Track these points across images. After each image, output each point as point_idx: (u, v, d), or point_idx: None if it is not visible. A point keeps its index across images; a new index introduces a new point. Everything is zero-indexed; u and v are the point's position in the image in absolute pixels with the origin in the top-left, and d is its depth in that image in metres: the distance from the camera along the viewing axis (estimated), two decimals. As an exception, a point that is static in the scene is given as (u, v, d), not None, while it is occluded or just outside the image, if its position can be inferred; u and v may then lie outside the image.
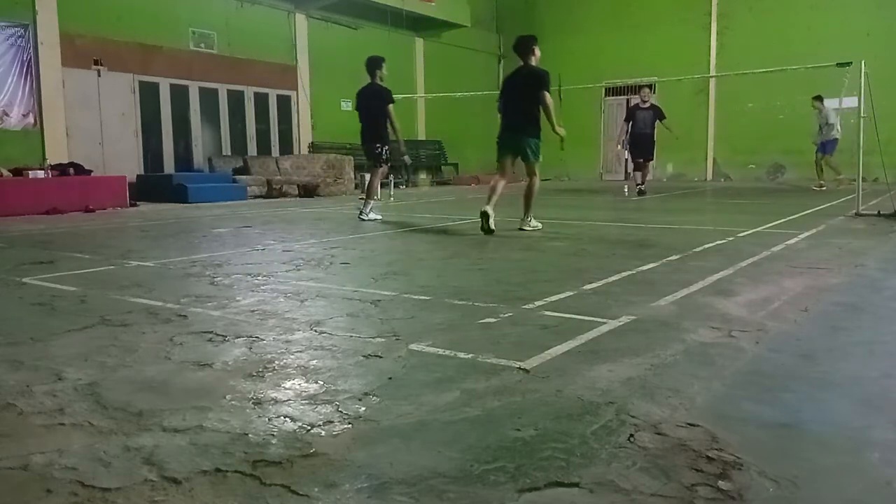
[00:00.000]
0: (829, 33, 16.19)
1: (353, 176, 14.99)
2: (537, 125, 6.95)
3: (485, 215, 6.57)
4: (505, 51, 22.05)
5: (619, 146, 13.01)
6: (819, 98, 13.57)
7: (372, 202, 8.36)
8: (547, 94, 6.84)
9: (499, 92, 7.52)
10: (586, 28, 19.82)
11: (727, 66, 17.39)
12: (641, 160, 12.43)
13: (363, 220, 8.15)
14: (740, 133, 17.78)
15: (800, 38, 16.54)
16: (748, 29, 17.76)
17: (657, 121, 12.09)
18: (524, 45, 7.11)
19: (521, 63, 7.13)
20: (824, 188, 13.29)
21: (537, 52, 7.14)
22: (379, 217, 8.25)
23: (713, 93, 18.50)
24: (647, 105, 12.22)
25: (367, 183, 8.80)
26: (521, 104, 6.93)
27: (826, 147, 13.51)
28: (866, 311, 3.34)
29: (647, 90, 12.77)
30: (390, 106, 8.13)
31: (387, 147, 8.38)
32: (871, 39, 15.56)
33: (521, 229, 6.87)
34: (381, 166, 8.53)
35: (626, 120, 12.50)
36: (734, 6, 18.08)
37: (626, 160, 20.14)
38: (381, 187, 12.86)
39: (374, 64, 8.28)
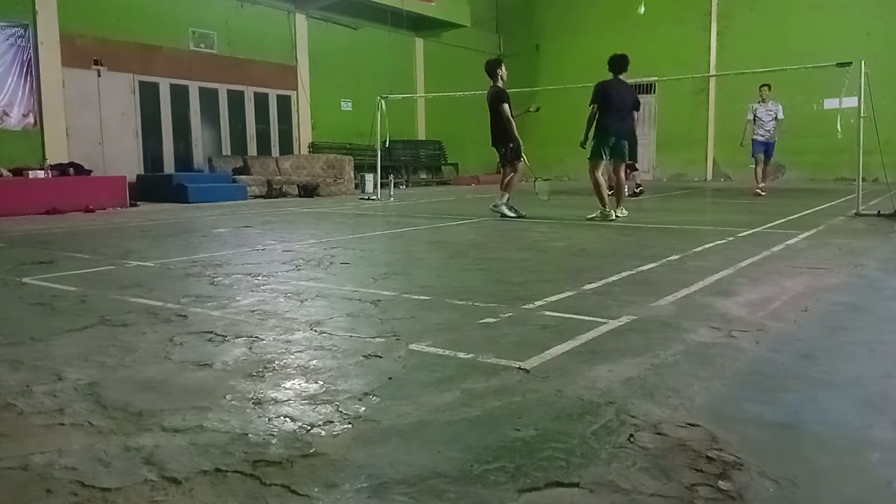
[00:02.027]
0: (829, 33, 16.18)
1: (352, 176, 14.99)
2: None
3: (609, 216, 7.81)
4: (505, 51, 22.07)
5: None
6: (768, 86, 11.89)
7: (507, 195, 8.39)
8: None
9: (599, 97, 8.00)
10: (586, 28, 19.80)
11: (727, 66, 17.39)
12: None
13: (504, 215, 8.22)
14: (740, 133, 17.78)
15: (800, 38, 16.53)
16: (748, 29, 17.75)
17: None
18: (626, 64, 8.26)
19: (616, 76, 8.16)
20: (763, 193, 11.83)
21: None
22: (512, 214, 8.20)
23: (713, 93, 18.49)
24: None
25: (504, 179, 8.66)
26: (625, 113, 8.20)
27: (772, 149, 11.96)
28: (866, 311, 3.34)
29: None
30: (504, 105, 8.17)
31: (511, 145, 8.34)
32: (871, 39, 15.55)
33: (616, 216, 7.96)
34: (510, 164, 8.43)
35: None
36: (734, 6, 18.07)
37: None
38: (381, 187, 12.94)
39: (491, 66, 8.41)
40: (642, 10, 10.07)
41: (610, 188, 12.53)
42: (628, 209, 8.49)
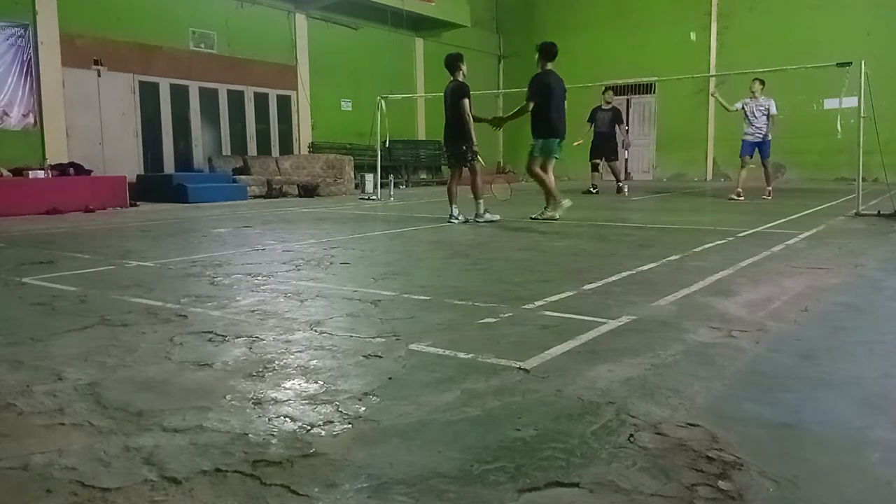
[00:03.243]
0: (829, 33, 16.19)
1: (352, 176, 15.00)
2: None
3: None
4: (505, 51, 22.08)
5: (576, 143, 12.91)
6: (760, 81, 10.95)
7: (482, 202, 7.97)
8: None
9: (543, 92, 7.68)
10: (586, 28, 19.80)
11: (727, 66, 17.39)
12: (599, 160, 13.34)
13: (479, 222, 7.75)
14: (740, 133, 17.76)
15: (800, 38, 16.54)
16: (748, 29, 17.75)
17: (616, 123, 13.07)
18: (557, 51, 8.05)
19: (550, 68, 7.92)
20: (768, 197, 10.91)
21: None
22: (497, 217, 7.84)
23: (713, 93, 18.50)
24: (609, 107, 13.22)
25: (471, 186, 8.14)
26: (562, 106, 7.87)
27: (767, 148, 11.04)
28: (866, 311, 3.34)
29: (610, 93, 13.66)
30: (465, 101, 7.75)
31: (472, 145, 7.92)
32: (871, 39, 15.56)
33: (554, 217, 7.73)
34: (468, 165, 8.02)
35: (589, 121, 13.37)
36: (734, 6, 18.08)
37: (626, 160, 20.25)
38: (381, 187, 12.95)
39: (454, 60, 8.05)
40: (693, 37, 9.92)
41: (595, 187, 13.06)
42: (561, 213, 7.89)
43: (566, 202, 7.91)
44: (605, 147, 13.15)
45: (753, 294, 3.62)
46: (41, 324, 3.18)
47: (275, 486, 1.57)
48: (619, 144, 13.52)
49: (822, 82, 14.39)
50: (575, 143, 11.86)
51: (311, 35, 15.97)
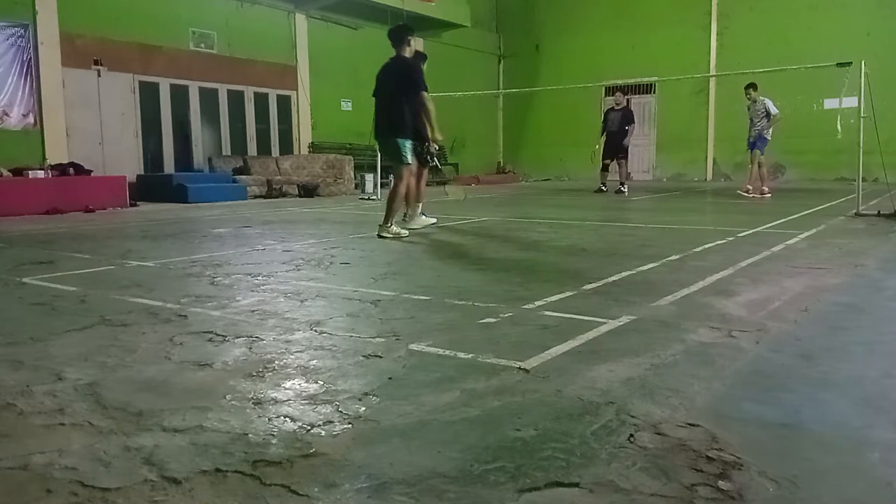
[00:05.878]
0: (829, 33, 16.18)
1: (352, 176, 15.00)
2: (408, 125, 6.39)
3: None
4: (505, 51, 22.08)
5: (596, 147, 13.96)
6: (753, 86, 11.47)
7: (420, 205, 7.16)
8: (424, 94, 6.24)
9: (377, 87, 6.66)
10: (586, 28, 19.80)
11: (727, 66, 17.37)
12: (610, 160, 13.64)
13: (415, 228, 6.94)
14: (740, 133, 17.77)
15: (800, 38, 16.53)
16: (748, 29, 17.75)
17: (627, 124, 13.42)
18: (400, 35, 6.59)
19: (397, 53, 6.63)
20: (750, 195, 11.31)
21: (412, 43, 6.65)
22: (434, 220, 7.26)
23: (713, 93, 18.48)
24: (620, 108, 13.61)
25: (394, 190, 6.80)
26: (389, 100, 6.39)
27: (759, 143, 11.45)
28: (866, 311, 3.34)
29: (619, 94, 14.25)
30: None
31: (427, 143, 6.86)
32: (871, 39, 15.55)
33: (400, 232, 6.37)
34: (424, 165, 7.05)
35: (603, 123, 13.89)
36: (734, 6, 18.07)
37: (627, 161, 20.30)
38: (381, 187, 12.94)
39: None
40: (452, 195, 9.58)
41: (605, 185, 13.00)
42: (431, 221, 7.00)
43: (403, 231, 6.47)
44: (615, 147, 13.50)
45: (753, 294, 3.62)
46: (41, 324, 3.18)
47: (275, 486, 1.57)
48: (626, 142, 13.69)
49: (822, 82, 14.40)
50: (595, 149, 13.45)
51: (311, 35, 15.97)
